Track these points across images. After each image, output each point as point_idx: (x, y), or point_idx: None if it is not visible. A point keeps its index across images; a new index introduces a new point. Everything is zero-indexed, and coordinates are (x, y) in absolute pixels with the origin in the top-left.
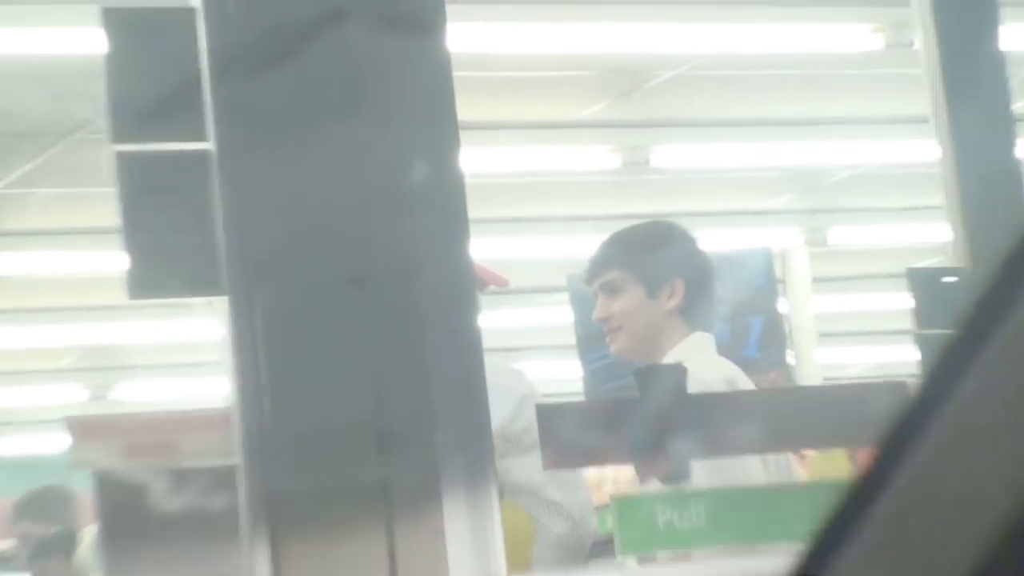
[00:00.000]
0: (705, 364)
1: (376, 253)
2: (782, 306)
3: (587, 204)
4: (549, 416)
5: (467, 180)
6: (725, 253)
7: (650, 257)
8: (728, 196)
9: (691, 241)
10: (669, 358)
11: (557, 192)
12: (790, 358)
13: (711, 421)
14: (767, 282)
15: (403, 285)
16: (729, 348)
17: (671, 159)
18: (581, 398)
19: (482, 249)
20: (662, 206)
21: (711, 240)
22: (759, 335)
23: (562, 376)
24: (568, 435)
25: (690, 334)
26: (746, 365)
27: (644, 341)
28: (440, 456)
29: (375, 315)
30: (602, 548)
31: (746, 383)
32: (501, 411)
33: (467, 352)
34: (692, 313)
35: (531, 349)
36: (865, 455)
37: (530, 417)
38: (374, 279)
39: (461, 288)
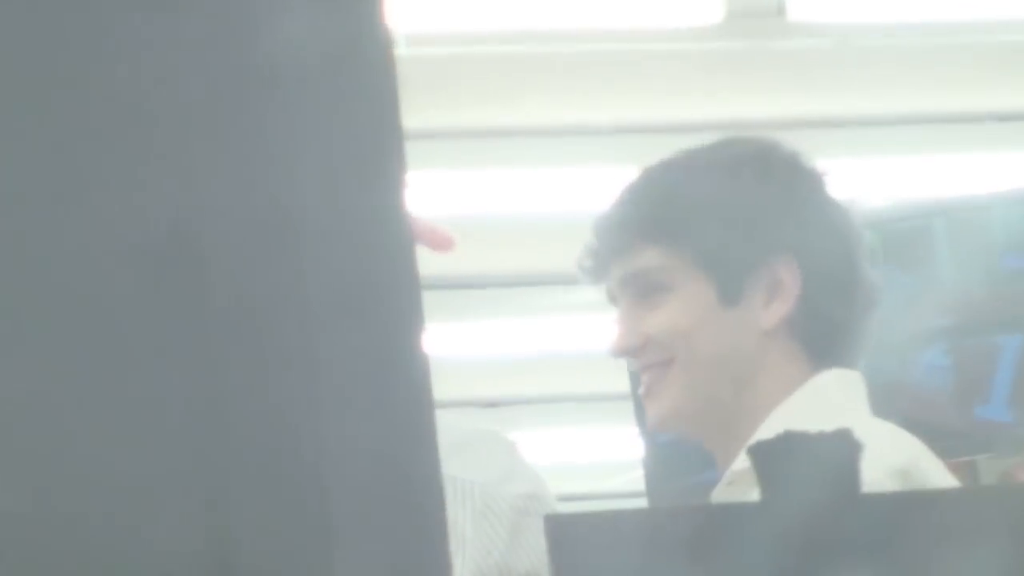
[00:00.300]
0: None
1: (210, 190)
2: None
3: (655, 99)
4: (573, 536)
5: (403, 46)
6: (936, 203)
7: (723, 218)
8: (939, 82)
9: (814, 179)
10: (770, 427)
11: (591, 73)
12: None
13: (907, 550)
14: None
15: (271, 257)
16: (946, 400)
17: (827, 5)
18: (640, 500)
19: (434, 189)
20: (805, 103)
21: (899, 174)
22: (1014, 374)
23: (601, 455)
24: (609, 573)
25: (813, 375)
26: (985, 435)
27: (717, 392)
28: None
29: (211, 318)
30: None
31: (941, 475)
32: (483, 536)
33: (404, 408)
34: (817, 333)
35: (536, 403)
36: None
37: (540, 548)
38: (207, 241)
39: (389, 271)
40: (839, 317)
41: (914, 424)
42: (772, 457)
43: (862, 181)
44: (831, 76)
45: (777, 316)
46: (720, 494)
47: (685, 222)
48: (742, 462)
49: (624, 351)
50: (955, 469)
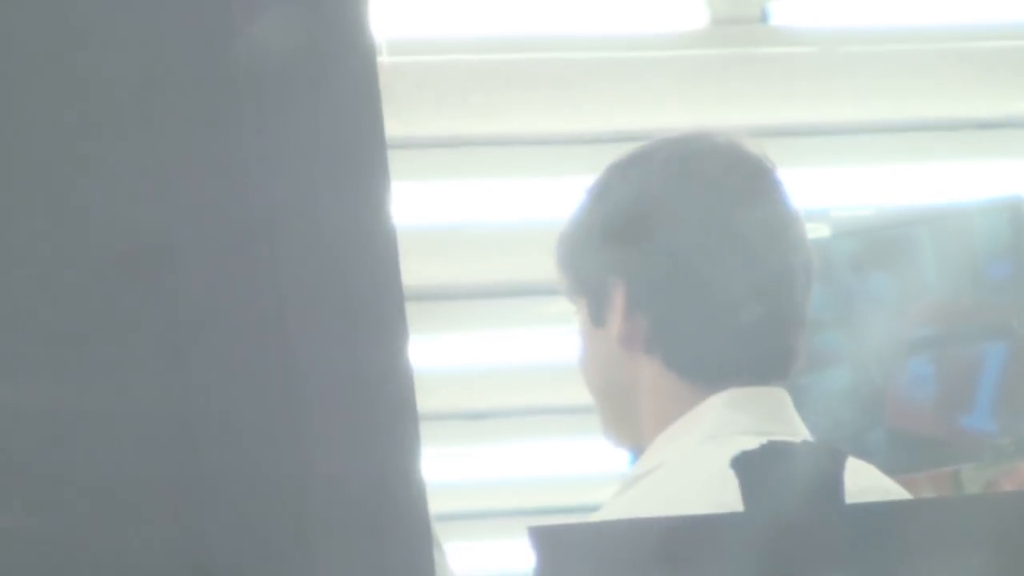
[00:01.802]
0: (713, 473)
1: (186, 197)
2: None
3: (638, 107)
4: (559, 546)
5: (385, 54)
6: (920, 211)
7: (577, 241)
8: (924, 90)
9: (677, 179)
10: (647, 457)
11: (574, 81)
12: None
13: (891, 560)
14: (1017, 268)
15: (247, 267)
16: (930, 409)
17: (811, 11)
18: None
19: (418, 199)
20: (789, 110)
21: (883, 182)
22: (997, 382)
23: (587, 467)
24: None
25: (699, 395)
26: (969, 444)
27: (616, 414)
28: None
29: (186, 329)
30: None
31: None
32: None
33: (388, 421)
34: (674, 350)
35: (522, 415)
36: None
37: None
38: (182, 250)
39: (372, 281)
40: (707, 333)
41: (898, 434)
42: (755, 468)
43: (846, 188)
44: (815, 83)
45: (614, 334)
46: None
47: (562, 247)
48: (617, 487)
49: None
50: (939, 479)
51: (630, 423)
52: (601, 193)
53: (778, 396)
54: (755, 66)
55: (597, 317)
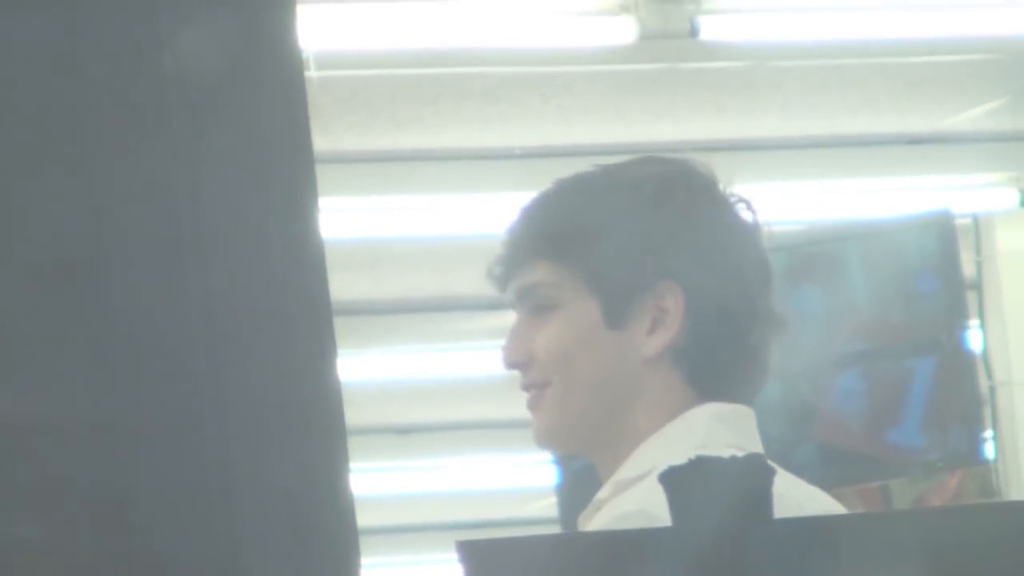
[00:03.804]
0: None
1: (113, 208)
2: (975, 337)
3: (568, 122)
4: (487, 561)
5: (313, 68)
6: (849, 227)
7: (613, 239)
8: (852, 105)
9: (719, 205)
10: (635, 460)
11: (503, 96)
12: (991, 446)
13: (819, 575)
14: (946, 284)
15: (175, 278)
16: (859, 425)
17: (741, 26)
18: (554, 527)
19: (346, 214)
20: (719, 126)
21: (811, 197)
22: (925, 398)
23: (515, 482)
24: None
25: (692, 406)
26: (897, 460)
27: (592, 415)
28: None
29: (114, 340)
30: None
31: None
32: None
33: (316, 435)
34: (701, 364)
35: (450, 430)
36: None
37: None
38: (110, 261)
39: (301, 296)
40: (726, 349)
41: (828, 449)
42: (683, 483)
43: (775, 204)
44: (744, 98)
45: (659, 344)
46: (584, 521)
47: (575, 239)
48: (604, 491)
49: (511, 365)
50: (868, 494)
51: (608, 423)
52: (653, 197)
53: (749, 415)
54: (684, 81)
55: (615, 319)
